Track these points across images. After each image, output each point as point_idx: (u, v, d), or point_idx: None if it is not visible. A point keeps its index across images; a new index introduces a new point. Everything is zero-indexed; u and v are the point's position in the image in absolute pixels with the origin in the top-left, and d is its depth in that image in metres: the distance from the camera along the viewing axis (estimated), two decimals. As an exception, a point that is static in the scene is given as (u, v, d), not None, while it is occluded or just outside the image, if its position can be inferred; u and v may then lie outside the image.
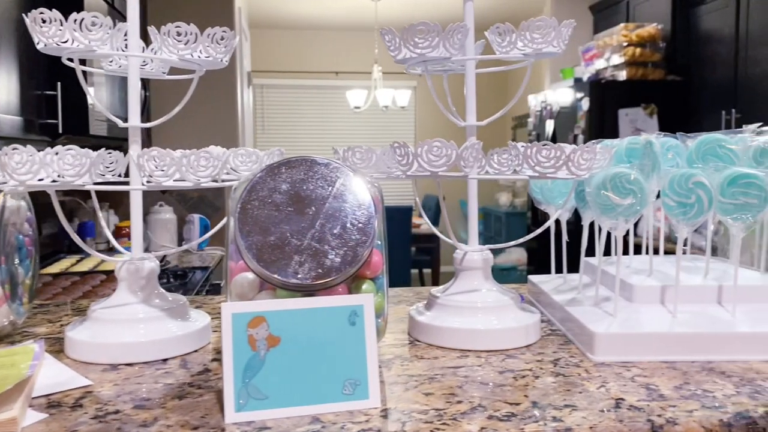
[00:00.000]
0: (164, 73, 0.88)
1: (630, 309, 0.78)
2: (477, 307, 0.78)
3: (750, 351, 0.71)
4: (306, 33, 6.97)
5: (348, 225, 0.64)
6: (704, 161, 0.80)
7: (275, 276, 0.62)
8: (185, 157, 0.69)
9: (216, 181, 0.72)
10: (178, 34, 0.77)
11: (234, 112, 3.82)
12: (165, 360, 0.73)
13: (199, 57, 0.79)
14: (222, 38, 0.79)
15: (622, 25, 4.06)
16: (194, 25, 0.78)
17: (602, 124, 4.04)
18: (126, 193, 0.76)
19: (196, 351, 0.77)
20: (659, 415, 0.57)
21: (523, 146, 0.71)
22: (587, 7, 4.88)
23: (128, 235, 0.85)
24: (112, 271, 1.16)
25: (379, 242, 0.68)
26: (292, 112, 7.20)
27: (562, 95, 4.46)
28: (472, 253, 0.81)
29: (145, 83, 2.73)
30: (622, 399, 0.61)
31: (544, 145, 0.69)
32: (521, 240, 0.85)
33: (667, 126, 3.95)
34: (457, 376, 0.68)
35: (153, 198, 3.13)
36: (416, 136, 7.49)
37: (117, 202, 3.08)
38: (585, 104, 4.08)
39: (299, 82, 7.17)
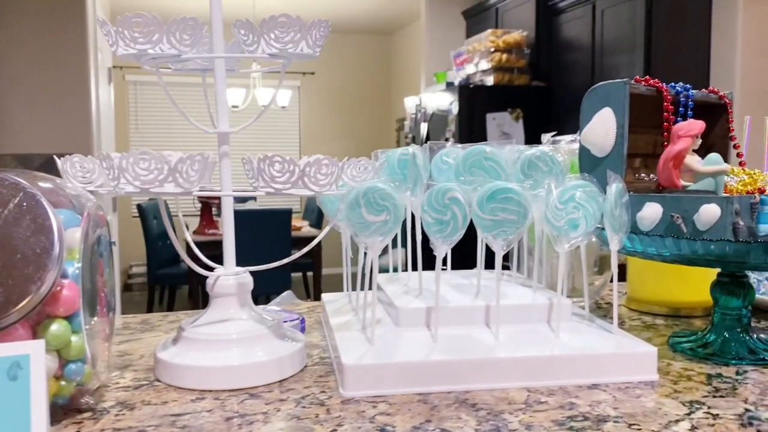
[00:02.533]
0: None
1: (393, 334, 0.72)
2: (224, 339, 0.69)
3: (508, 378, 0.67)
4: (182, 28, 6.66)
5: (18, 256, 0.53)
6: (471, 174, 0.75)
7: None
8: None
9: None
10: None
11: (87, 111, 3.53)
12: None
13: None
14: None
15: (489, 31, 4.15)
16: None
17: (471, 128, 4.10)
18: None
19: None
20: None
21: (258, 160, 0.62)
22: (460, 12, 4.97)
23: None
24: None
25: (77, 271, 0.57)
26: (169, 110, 6.85)
27: (435, 99, 4.50)
28: (226, 278, 0.72)
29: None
30: (343, 448, 0.54)
31: (274, 157, 0.61)
32: (284, 261, 0.77)
33: (533, 130, 4.07)
34: (174, 427, 0.59)
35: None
36: (301, 137, 7.37)
37: None
38: (455, 108, 4.13)
39: (176, 79, 6.84)
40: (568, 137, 0.96)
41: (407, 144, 5.00)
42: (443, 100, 4.34)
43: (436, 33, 5.05)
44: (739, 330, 0.79)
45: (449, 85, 4.39)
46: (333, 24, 0.64)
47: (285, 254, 4.92)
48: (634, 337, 0.74)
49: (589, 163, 0.83)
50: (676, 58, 3.34)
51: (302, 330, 0.85)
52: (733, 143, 0.91)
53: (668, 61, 3.33)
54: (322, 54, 0.72)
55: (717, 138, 0.93)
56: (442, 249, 0.69)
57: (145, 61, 0.67)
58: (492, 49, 4.08)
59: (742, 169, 0.83)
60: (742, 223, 0.71)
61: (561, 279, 0.72)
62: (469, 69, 4.31)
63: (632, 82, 0.80)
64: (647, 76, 0.84)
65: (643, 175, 0.87)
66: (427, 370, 0.66)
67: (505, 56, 4.07)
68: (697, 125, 0.75)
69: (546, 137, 0.98)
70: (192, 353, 0.69)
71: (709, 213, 0.71)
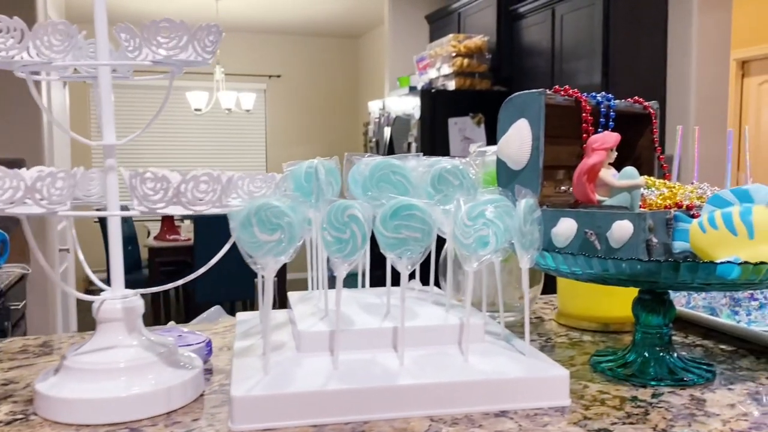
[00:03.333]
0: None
1: (292, 361, 0.68)
2: (107, 368, 0.64)
3: (410, 406, 0.63)
4: (144, 30, 6.54)
5: None
6: (379, 188, 0.71)
7: None
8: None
9: None
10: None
11: (36, 116, 3.42)
12: None
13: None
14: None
15: (451, 35, 4.13)
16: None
17: (433, 133, 4.08)
18: None
19: None
20: None
21: (129, 176, 0.58)
22: (424, 17, 4.95)
23: None
24: None
25: None
26: (131, 113, 6.71)
27: (398, 103, 4.47)
28: (112, 302, 0.67)
29: None
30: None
31: (146, 173, 0.56)
32: (169, 286, 0.72)
33: (495, 135, 4.06)
34: (34, 469, 0.54)
35: None
36: (267, 141, 7.28)
37: None
38: (417, 112, 4.11)
39: (139, 82, 6.72)
40: (493, 148, 0.93)
41: (371, 149, 4.96)
42: (406, 105, 4.31)
43: (399, 37, 5.03)
44: (659, 349, 0.77)
45: (412, 90, 4.37)
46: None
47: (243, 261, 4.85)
48: (548, 359, 0.70)
49: (505, 177, 0.79)
50: (633, 64, 3.36)
51: (208, 353, 0.81)
52: (657, 154, 0.88)
53: (626, 67, 3.35)
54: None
55: (644, 149, 0.91)
56: (342, 269, 0.65)
57: (18, 69, 0.62)
58: (454, 54, 4.07)
59: (665, 182, 0.80)
60: (655, 240, 0.68)
61: (468, 298, 0.69)
62: (432, 73, 4.29)
63: (548, 92, 0.77)
64: (566, 86, 0.81)
65: (564, 188, 0.85)
66: (323, 400, 0.62)
67: (466, 61, 4.06)
68: (612, 138, 0.72)
69: (473, 147, 0.95)
70: (71, 384, 0.64)
71: (621, 230, 0.68)
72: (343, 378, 0.64)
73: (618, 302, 0.95)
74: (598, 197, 0.73)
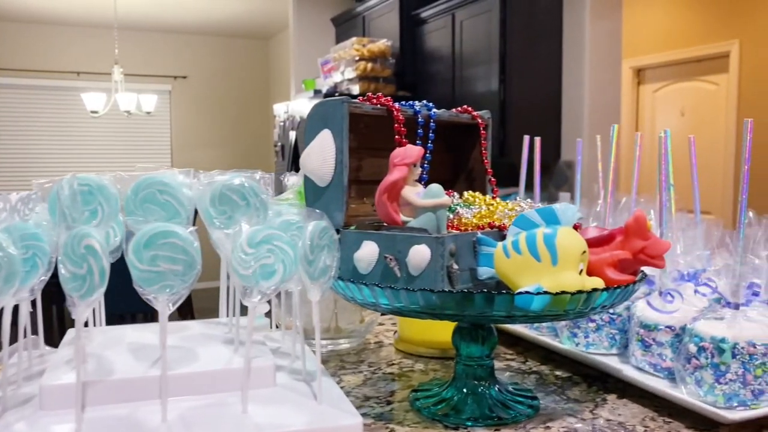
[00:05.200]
0: None
1: (28, 423, 0.56)
2: None
3: (164, 473, 0.53)
4: (42, 28, 6.13)
5: None
6: (144, 211, 0.61)
7: None
8: None
9: None
10: None
11: None
12: None
13: None
14: None
15: (354, 39, 4.05)
16: None
17: (336, 138, 3.99)
18: None
19: None
20: None
21: None
22: (329, 19, 4.86)
23: None
24: None
25: None
26: (30, 116, 6.29)
27: (303, 106, 4.35)
28: None
29: None
30: None
31: None
32: None
33: (399, 140, 4.01)
34: None
35: None
36: (173, 145, 6.98)
37: None
38: (319, 117, 4.00)
39: (36, 82, 6.31)
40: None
41: (276, 153, 4.82)
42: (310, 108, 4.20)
43: (305, 39, 4.91)
44: (480, 382, 0.70)
45: (317, 93, 4.26)
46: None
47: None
48: (344, 405, 0.62)
49: (312, 195, 0.71)
50: (530, 70, 3.39)
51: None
52: (486, 167, 0.82)
53: (523, 73, 3.37)
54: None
55: (477, 162, 0.85)
56: (82, 310, 0.54)
57: None
58: (357, 58, 3.99)
59: (485, 198, 0.73)
60: (457, 266, 0.61)
61: (249, 335, 0.59)
62: (336, 77, 4.20)
63: (354, 100, 0.68)
64: (379, 94, 0.73)
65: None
66: (49, 473, 0.50)
67: (370, 65, 3.99)
68: (414, 152, 0.64)
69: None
70: None
71: (418, 255, 0.60)
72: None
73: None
74: (403, 218, 0.65)
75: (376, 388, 0.76)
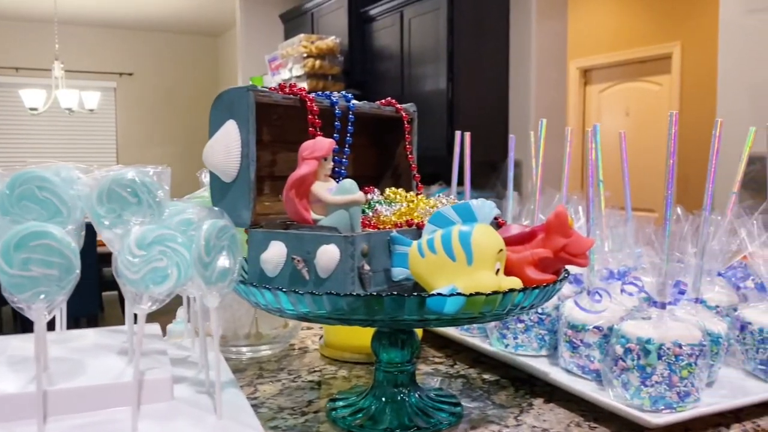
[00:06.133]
0: None
1: None
2: None
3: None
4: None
5: None
6: (21, 209, 0.55)
7: None
8: None
9: None
10: None
11: None
12: None
13: None
14: None
15: (302, 35, 3.99)
16: None
17: (284, 136, 3.91)
18: None
19: None
20: None
21: None
22: (278, 15, 4.77)
23: None
24: None
25: None
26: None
27: (249, 105, 4.25)
28: None
29: None
30: None
31: None
32: None
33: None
34: None
35: None
36: (118, 143, 6.78)
37: None
38: (267, 115, 3.92)
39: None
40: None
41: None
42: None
43: (253, 35, 4.81)
44: (400, 389, 0.66)
45: (264, 91, 4.17)
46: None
47: (92, 271, 4.41)
48: (246, 419, 0.57)
49: (218, 192, 0.65)
50: (477, 69, 3.38)
51: None
52: (410, 163, 0.78)
53: (470, 72, 3.36)
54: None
55: (402, 157, 0.81)
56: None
57: None
58: (305, 55, 3.92)
59: (406, 194, 0.70)
60: (368, 267, 0.57)
61: (138, 345, 0.54)
62: (284, 74, 4.13)
63: (262, 89, 0.63)
64: (292, 83, 0.68)
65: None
66: None
67: (318, 62, 3.93)
68: (325, 144, 0.60)
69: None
70: None
71: (327, 255, 0.56)
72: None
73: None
74: (314, 216, 0.61)
75: (293, 397, 0.72)
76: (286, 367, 0.82)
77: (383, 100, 0.78)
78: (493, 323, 0.83)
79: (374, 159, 0.83)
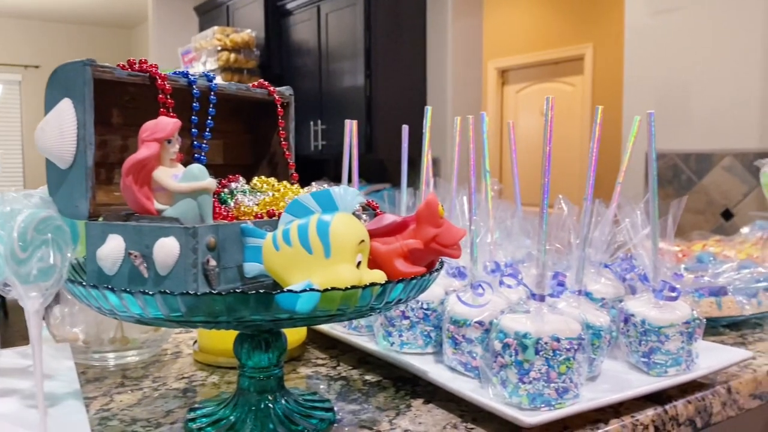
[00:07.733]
0: None
1: None
2: None
3: None
4: None
5: None
6: None
7: None
8: None
9: None
10: None
11: None
12: None
13: None
14: None
15: (216, 28, 3.86)
16: None
17: (197, 132, 3.77)
18: None
19: None
20: None
21: None
22: (192, 8, 4.61)
23: None
24: None
25: None
26: None
27: (161, 99, 4.08)
28: None
29: None
30: None
31: None
32: None
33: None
34: None
35: None
36: (24, 139, 6.38)
37: None
38: (179, 110, 3.77)
39: None
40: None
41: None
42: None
43: (167, 28, 4.63)
44: (263, 397, 0.60)
45: (177, 85, 4.01)
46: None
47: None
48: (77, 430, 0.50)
49: (55, 180, 0.58)
50: (395, 66, 3.36)
51: None
52: (284, 149, 0.73)
53: (388, 68, 3.34)
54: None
55: (278, 145, 0.75)
56: None
57: None
58: (219, 48, 3.80)
59: (273, 183, 0.64)
60: (214, 263, 0.51)
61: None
62: (198, 68, 3.98)
63: (103, 64, 0.56)
64: (143, 59, 0.61)
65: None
66: None
67: (233, 56, 3.81)
68: (169, 125, 0.54)
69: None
70: None
71: (165, 250, 0.50)
72: None
73: (260, 331, 0.78)
74: (158, 206, 0.54)
75: (151, 408, 0.65)
76: (152, 374, 0.75)
77: (255, 83, 0.72)
78: (379, 321, 0.78)
79: (249, 147, 0.77)
